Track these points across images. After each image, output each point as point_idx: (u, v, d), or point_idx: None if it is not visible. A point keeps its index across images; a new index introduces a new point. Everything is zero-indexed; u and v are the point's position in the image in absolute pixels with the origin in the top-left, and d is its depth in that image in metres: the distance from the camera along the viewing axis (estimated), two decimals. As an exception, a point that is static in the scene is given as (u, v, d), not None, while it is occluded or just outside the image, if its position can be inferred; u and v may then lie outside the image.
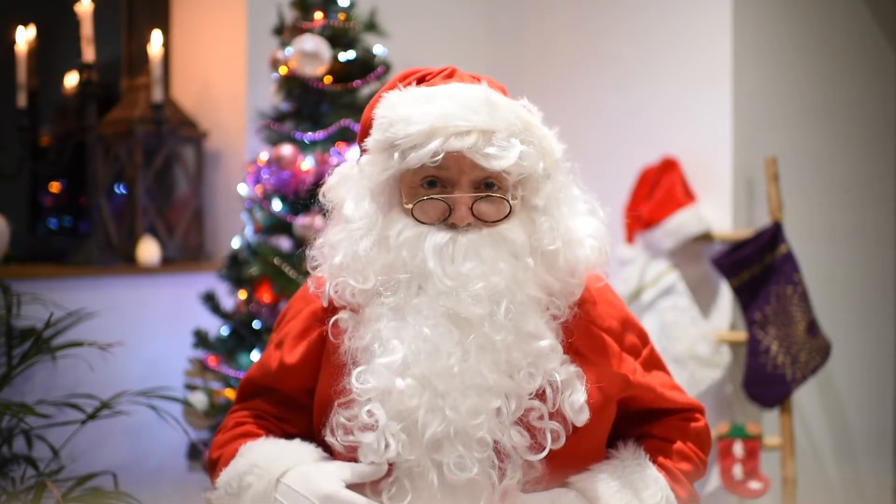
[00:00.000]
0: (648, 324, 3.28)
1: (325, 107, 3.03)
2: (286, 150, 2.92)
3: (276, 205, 2.95)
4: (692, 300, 3.28)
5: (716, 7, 3.34)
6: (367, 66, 3.07)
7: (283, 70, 2.97)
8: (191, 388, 3.06)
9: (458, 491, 1.38)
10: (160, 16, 3.64)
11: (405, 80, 1.52)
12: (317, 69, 2.95)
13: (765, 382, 3.17)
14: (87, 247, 3.20)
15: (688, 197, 3.29)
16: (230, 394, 2.93)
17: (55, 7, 3.46)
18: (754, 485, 3.13)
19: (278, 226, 2.97)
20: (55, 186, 3.56)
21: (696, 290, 3.35)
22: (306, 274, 1.55)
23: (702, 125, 3.37)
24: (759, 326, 3.19)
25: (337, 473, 1.42)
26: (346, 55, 3.03)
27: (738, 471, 3.14)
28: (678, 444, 1.58)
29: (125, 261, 3.30)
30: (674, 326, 3.25)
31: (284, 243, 2.93)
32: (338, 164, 1.59)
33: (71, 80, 3.38)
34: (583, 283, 1.50)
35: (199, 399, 2.99)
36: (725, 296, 3.35)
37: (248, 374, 1.64)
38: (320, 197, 1.54)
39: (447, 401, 1.36)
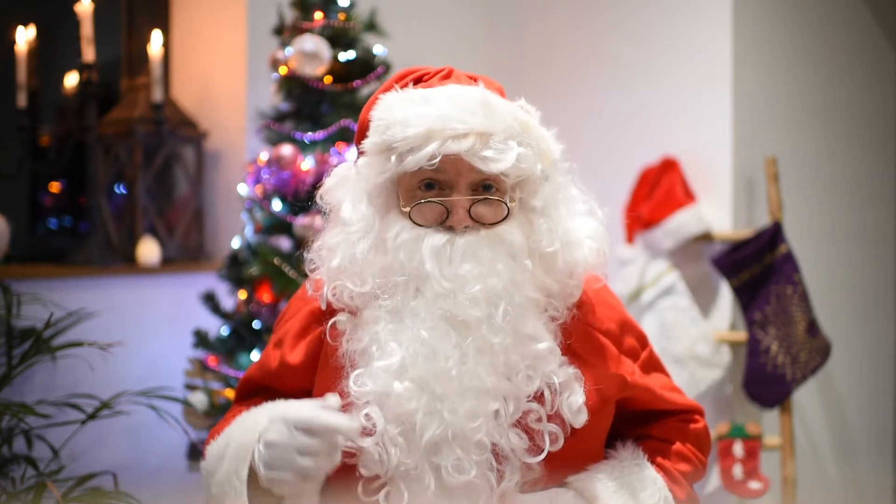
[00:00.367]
0: (648, 324, 3.28)
1: (325, 107, 3.03)
2: (286, 150, 2.92)
3: (276, 205, 2.95)
4: (692, 300, 3.28)
5: (716, 7, 3.34)
6: (367, 66, 3.07)
7: (283, 70, 2.97)
8: (191, 388, 3.06)
9: (456, 493, 1.38)
10: (160, 16, 3.64)
11: (402, 80, 1.51)
12: (317, 69, 2.94)
13: (765, 382, 3.17)
14: (87, 247, 3.20)
15: (688, 197, 3.29)
16: (230, 394, 2.93)
17: (55, 7, 3.46)
18: (754, 485, 3.13)
19: (278, 226, 2.97)
20: (55, 186, 3.56)
21: (696, 290, 3.35)
22: (306, 274, 1.55)
23: (702, 125, 3.37)
24: (759, 326, 3.19)
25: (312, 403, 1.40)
26: (346, 55, 3.03)
27: (738, 471, 3.14)
28: (677, 445, 1.58)
29: (125, 261, 3.30)
30: (674, 326, 3.25)
31: (284, 243, 2.93)
32: (338, 165, 1.59)
33: (71, 80, 3.38)
34: (581, 285, 1.49)
35: (199, 399, 2.99)
36: (725, 296, 3.35)
37: (247, 373, 1.64)
38: (318, 199, 1.54)
39: (445, 404, 1.36)
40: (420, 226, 1.43)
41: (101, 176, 3.32)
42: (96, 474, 2.66)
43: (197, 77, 3.62)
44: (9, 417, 2.57)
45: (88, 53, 3.08)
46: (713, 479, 3.21)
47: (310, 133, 2.97)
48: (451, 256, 1.40)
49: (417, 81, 1.51)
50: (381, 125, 1.43)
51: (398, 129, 1.41)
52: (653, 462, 1.54)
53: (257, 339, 2.94)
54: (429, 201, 1.43)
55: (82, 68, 3.11)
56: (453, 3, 3.98)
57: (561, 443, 1.41)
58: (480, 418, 1.36)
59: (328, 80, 3.00)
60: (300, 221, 2.88)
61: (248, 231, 3.03)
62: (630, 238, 3.40)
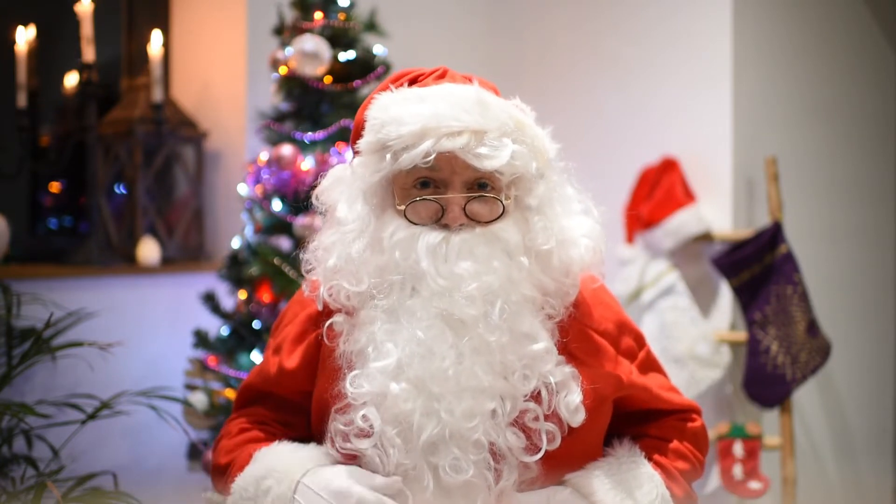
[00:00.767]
0: (648, 324, 3.28)
1: (325, 107, 3.03)
2: (286, 150, 2.92)
3: (276, 205, 2.95)
4: (692, 300, 3.28)
5: (716, 7, 3.34)
6: (367, 66, 3.07)
7: (283, 70, 2.97)
8: (191, 388, 3.06)
9: (454, 493, 1.38)
10: (160, 16, 3.64)
11: (397, 81, 1.51)
12: (317, 69, 2.94)
13: (765, 382, 3.17)
14: (87, 247, 3.20)
15: (688, 197, 3.29)
16: (230, 394, 2.93)
17: (55, 7, 3.46)
18: (754, 485, 3.13)
19: (278, 226, 2.97)
20: (55, 186, 3.56)
21: (696, 290, 3.35)
22: (305, 273, 1.55)
23: (702, 125, 3.37)
24: (759, 326, 3.18)
25: (351, 474, 1.41)
26: (346, 55, 3.03)
27: (738, 471, 3.14)
28: (675, 444, 1.58)
29: (125, 261, 3.30)
30: (674, 326, 3.25)
31: (284, 243, 2.93)
32: (337, 164, 1.59)
33: (71, 80, 3.38)
34: (577, 284, 1.49)
35: (199, 399, 2.99)
36: (725, 296, 3.35)
37: (247, 380, 1.64)
38: (314, 199, 1.54)
39: (442, 404, 1.36)
40: (415, 224, 1.43)
41: (101, 176, 3.32)
42: (96, 474, 2.66)
43: (197, 77, 3.62)
44: (9, 417, 2.57)
45: (88, 53, 3.08)
46: (713, 479, 3.21)
47: (310, 133, 2.97)
48: (447, 254, 1.40)
49: (413, 82, 1.51)
50: (376, 124, 1.44)
51: (393, 127, 1.41)
52: (650, 460, 1.54)
53: (257, 339, 2.94)
54: (424, 199, 1.43)
55: (82, 68, 3.11)
56: (453, 3, 3.98)
57: (558, 442, 1.41)
58: (477, 418, 1.36)
59: (328, 80, 3.00)
60: (300, 221, 2.88)
61: (248, 231, 3.03)
62: (630, 238, 3.40)
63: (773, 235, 3.19)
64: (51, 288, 2.91)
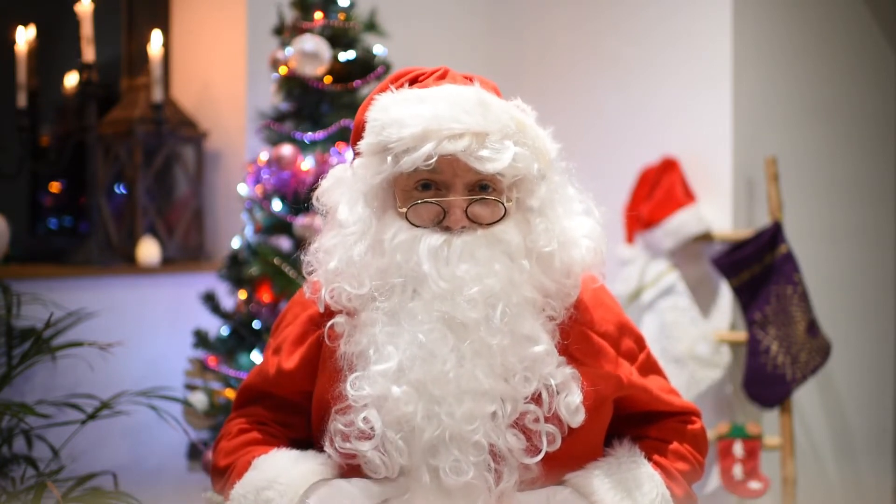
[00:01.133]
0: (648, 324, 3.28)
1: (325, 107, 3.03)
2: (286, 150, 2.92)
3: (276, 205, 2.95)
4: (692, 300, 3.28)
5: (716, 7, 3.34)
6: (367, 66, 3.07)
7: (283, 70, 2.97)
8: (191, 388, 3.06)
9: (454, 494, 1.38)
10: (160, 16, 3.64)
11: (398, 81, 1.51)
12: (317, 69, 2.94)
13: (765, 382, 3.17)
14: (87, 247, 3.20)
15: (688, 197, 3.29)
16: (230, 394, 2.92)
17: (55, 7, 3.46)
18: (754, 485, 3.13)
19: (278, 226, 2.97)
20: (55, 186, 3.56)
21: (696, 290, 3.35)
22: (306, 275, 1.55)
23: (702, 125, 3.37)
24: (759, 326, 3.18)
25: (360, 492, 1.42)
26: (346, 55, 3.03)
27: (738, 471, 3.14)
28: (675, 445, 1.58)
29: (125, 261, 3.30)
30: (674, 326, 3.25)
31: (284, 243, 2.93)
32: (338, 165, 1.59)
33: (71, 80, 3.38)
34: (578, 285, 1.49)
35: (199, 399, 2.99)
36: (725, 296, 3.35)
37: (246, 380, 1.64)
38: (314, 201, 1.53)
39: (443, 406, 1.36)
40: (417, 227, 1.42)
41: (101, 176, 3.32)
42: (96, 474, 2.66)
43: (197, 77, 3.62)
44: (9, 417, 2.57)
45: (88, 53, 3.08)
46: (713, 479, 3.21)
47: (310, 133, 2.97)
48: (449, 257, 1.40)
49: (413, 82, 1.50)
50: (377, 126, 1.43)
51: (394, 129, 1.40)
52: (650, 460, 1.54)
53: (257, 339, 2.94)
54: (425, 202, 1.42)
55: (82, 68, 3.11)
56: (453, 3, 3.97)
57: (558, 443, 1.41)
58: (478, 420, 1.36)
59: (328, 80, 3.00)
60: (300, 221, 2.88)
61: (248, 231, 3.03)
62: (630, 238, 3.40)
63: (773, 235, 3.19)
64: (51, 288, 2.91)
